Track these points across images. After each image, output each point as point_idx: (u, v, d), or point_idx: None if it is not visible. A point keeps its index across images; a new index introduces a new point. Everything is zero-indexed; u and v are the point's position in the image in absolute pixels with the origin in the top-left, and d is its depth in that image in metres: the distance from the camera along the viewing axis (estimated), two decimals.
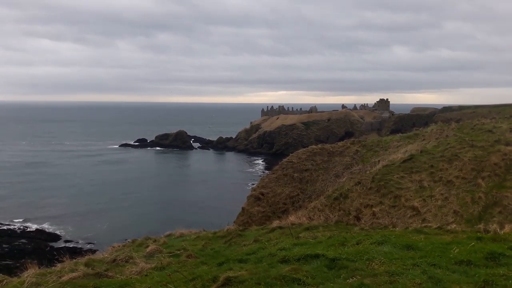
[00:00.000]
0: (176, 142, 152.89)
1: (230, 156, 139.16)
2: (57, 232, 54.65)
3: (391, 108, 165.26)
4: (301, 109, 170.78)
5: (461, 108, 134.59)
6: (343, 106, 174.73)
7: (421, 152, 20.88)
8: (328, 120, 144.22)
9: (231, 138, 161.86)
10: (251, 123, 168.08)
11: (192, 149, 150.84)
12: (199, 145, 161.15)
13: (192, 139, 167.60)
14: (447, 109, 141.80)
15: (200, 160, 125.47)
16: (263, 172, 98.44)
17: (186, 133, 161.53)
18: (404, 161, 19.76)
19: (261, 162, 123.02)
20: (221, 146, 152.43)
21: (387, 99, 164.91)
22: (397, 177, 17.92)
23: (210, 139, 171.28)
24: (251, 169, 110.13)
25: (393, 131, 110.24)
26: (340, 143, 32.33)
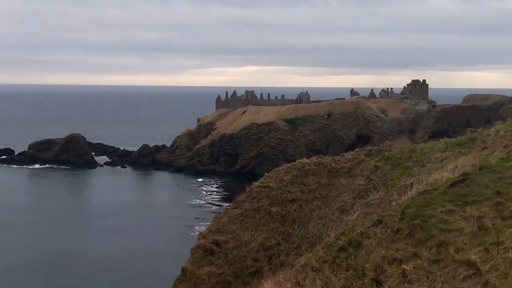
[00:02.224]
0: (66, 155, 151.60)
1: (162, 177, 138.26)
2: None
3: (430, 96, 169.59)
4: (283, 96, 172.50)
5: None
6: (353, 92, 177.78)
7: (480, 169, 21.47)
8: (328, 115, 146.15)
9: (164, 147, 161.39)
10: (198, 120, 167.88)
11: (94, 167, 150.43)
12: (107, 159, 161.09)
13: (95, 150, 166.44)
14: None
15: (109, 187, 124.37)
16: (219, 205, 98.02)
17: (84, 138, 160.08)
18: (453, 185, 20.23)
19: (215, 189, 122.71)
20: (147, 161, 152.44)
21: (424, 80, 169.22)
22: (441, 212, 18.33)
23: (127, 148, 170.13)
24: (198, 201, 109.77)
25: (435, 134, 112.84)
26: (348, 155, 32.77)
